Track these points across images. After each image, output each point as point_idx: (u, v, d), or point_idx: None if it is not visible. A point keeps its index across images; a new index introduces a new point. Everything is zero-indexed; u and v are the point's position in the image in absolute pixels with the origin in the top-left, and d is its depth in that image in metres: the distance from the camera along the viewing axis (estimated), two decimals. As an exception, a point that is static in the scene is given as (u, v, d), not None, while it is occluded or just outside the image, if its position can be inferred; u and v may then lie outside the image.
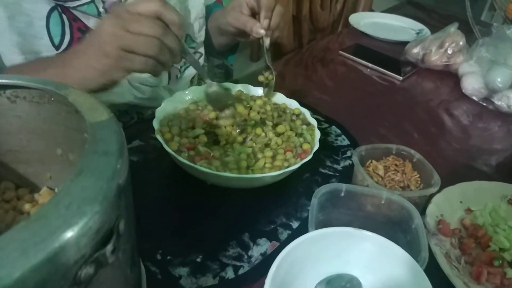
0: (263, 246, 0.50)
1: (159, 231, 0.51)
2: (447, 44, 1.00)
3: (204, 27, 0.81)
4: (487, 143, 0.79)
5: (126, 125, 0.74)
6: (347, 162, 0.66)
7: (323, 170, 0.64)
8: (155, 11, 0.48)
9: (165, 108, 0.61)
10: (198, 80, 0.85)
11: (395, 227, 0.52)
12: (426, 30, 1.24)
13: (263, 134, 0.60)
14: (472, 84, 0.91)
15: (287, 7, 1.21)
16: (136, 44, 0.47)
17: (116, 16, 0.48)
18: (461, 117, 0.86)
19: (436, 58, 1.01)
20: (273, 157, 0.56)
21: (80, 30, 0.62)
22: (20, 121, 0.34)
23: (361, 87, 0.94)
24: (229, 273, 0.46)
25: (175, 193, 0.58)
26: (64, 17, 0.60)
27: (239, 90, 0.69)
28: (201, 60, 0.82)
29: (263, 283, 0.35)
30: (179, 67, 0.78)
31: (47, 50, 0.60)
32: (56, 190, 0.38)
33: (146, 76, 0.70)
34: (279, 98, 0.70)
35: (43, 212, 0.20)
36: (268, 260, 0.48)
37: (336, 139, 0.72)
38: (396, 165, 0.60)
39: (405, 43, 1.09)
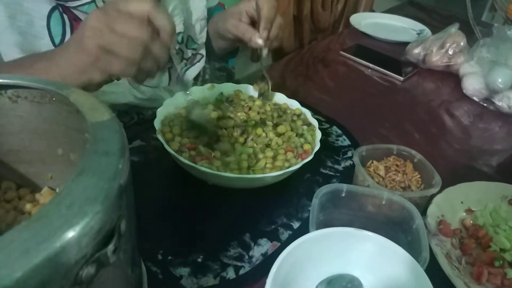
0: (264, 246, 0.50)
1: (160, 231, 0.51)
2: (448, 44, 1.00)
3: (206, 29, 0.80)
4: (487, 144, 0.79)
5: (127, 125, 0.74)
6: (348, 163, 0.66)
7: (324, 171, 0.64)
8: (147, 11, 0.44)
9: (166, 108, 0.61)
10: (200, 83, 0.85)
11: (396, 228, 0.52)
12: (427, 31, 1.24)
13: (264, 134, 0.60)
14: (473, 85, 0.91)
15: (288, 7, 1.21)
16: (117, 45, 0.43)
17: (104, 12, 0.44)
18: (462, 118, 0.86)
19: (437, 59, 1.01)
20: (274, 158, 0.57)
21: None
22: (21, 121, 0.34)
23: (362, 87, 0.94)
24: (230, 273, 0.46)
25: (176, 193, 0.58)
26: (65, 17, 0.60)
27: (238, 90, 0.69)
28: (203, 62, 0.82)
29: (264, 283, 0.35)
30: (179, 69, 0.78)
31: (48, 49, 0.60)
32: (57, 190, 0.38)
33: None
34: (280, 98, 0.70)
35: (44, 212, 0.20)
36: (269, 260, 0.48)
37: (337, 140, 0.72)
38: (397, 165, 0.60)
39: (406, 43, 1.09)
